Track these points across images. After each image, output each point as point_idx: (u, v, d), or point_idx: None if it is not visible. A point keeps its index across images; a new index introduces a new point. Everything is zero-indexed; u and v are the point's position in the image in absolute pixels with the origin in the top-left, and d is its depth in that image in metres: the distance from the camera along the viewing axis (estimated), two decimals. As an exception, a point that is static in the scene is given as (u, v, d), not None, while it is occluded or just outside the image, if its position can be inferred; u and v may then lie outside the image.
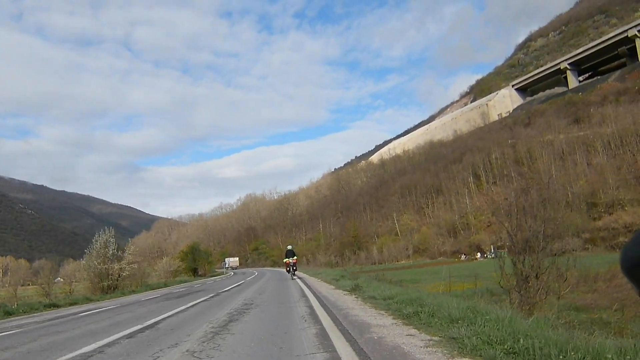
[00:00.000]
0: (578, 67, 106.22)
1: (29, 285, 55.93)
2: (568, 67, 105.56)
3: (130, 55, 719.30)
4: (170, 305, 13.29)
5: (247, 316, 8.81)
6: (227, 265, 67.70)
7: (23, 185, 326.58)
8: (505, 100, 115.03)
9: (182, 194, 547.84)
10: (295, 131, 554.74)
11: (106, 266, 27.60)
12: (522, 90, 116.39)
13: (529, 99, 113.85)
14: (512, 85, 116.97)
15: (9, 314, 15.73)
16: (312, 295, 12.86)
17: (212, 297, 15.38)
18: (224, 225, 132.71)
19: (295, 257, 25.77)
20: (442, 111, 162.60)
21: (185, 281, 40.25)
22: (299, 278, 24.80)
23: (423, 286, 27.69)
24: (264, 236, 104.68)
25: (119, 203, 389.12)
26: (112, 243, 29.39)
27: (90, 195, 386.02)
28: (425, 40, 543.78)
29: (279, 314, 8.83)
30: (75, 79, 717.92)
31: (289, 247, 27.50)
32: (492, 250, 60.99)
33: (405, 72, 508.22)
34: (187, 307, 11.71)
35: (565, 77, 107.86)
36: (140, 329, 7.99)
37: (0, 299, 48.94)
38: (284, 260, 26.24)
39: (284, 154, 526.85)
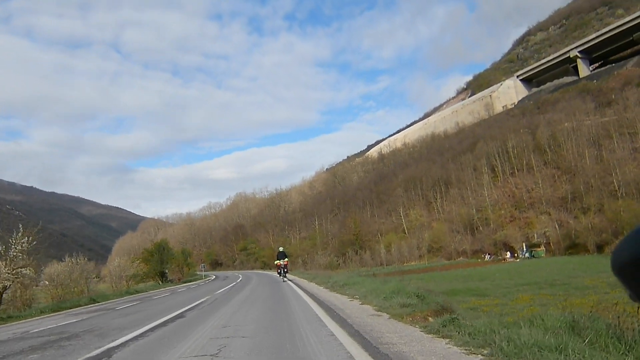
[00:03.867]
0: (589, 55, 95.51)
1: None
2: (578, 55, 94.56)
3: (119, 57, 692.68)
4: None
5: None
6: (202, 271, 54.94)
7: (12, 187, 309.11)
8: (509, 92, 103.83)
9: (173, 195, 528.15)
10: (286, 132, 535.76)
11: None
12: (527, 81, 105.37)
13: (534, 89, 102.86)
14: (517, 76, 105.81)
15: None
16: None
17: None
18: (212, 224, 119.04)
19: (286, 259, 24.51)
20: (437, 109, 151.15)
21: (135, 292, 27.19)
22: (311, 297, 12.15)
23: (509, 305, 15.60)
24: (253, 235, 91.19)
25: (109, 204, 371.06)
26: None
27: (80, 196, 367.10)
28: (415, 41, 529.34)
29: None
30: (65, 81, 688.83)
31: (280, 248, 26.03)
32: (525, 249, 49.07)
33: (396, 74, 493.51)
34: None
35: (575, 67, 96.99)
36: None
37: None
38: (275, 262, 24.86)
39: (276, 155, 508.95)
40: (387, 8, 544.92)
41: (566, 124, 63.71)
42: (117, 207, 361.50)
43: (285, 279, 23.60)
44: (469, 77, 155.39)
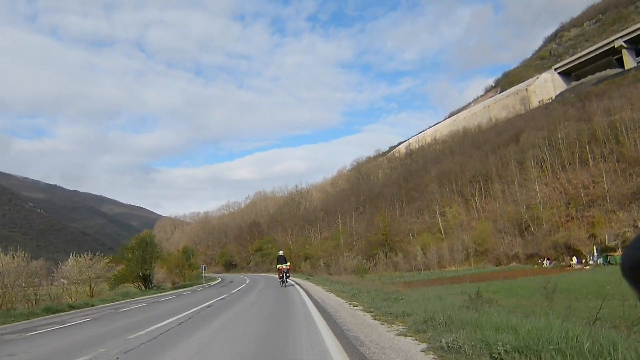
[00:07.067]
0: (635, 45, 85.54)
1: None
2: (624, 45, 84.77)
3: (143, 56, 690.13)
4: None
5: None
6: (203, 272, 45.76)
7: (35, 185, 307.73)
8: (546, 85, 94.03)
9: (194, 195, 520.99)
10: (307, 133, 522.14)
11: None
12: (565, 75, 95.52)
13: (574, 83, 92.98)
14: (555, 69, 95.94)
15: None
16: None
17: None
18: (228, 223, 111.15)
19: (288, 264, 24.27)
20: (464, 108, 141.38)
21: (70, 308, 17.23)
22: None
23: None
24: (270, 234, 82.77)
25: (130, 204, 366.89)
26: None
27: (103, 195, 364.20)
28: (439, 43, 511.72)
29: None
30: (90, 79, 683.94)
31: (280, 252, 25.17)
32: (597, 254, 39.62)
33: (419, 75, 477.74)
34: None
35: (618, 58, 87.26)
36: None
37: None
38: (277, 267, 23.97)
39: (296, 156, 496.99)
40: (411, 10, 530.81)
41: (630, 113, 54.07)
42: (138, 207, 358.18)
43: (285, 284, 23.35)
44: (494, 79, 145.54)
